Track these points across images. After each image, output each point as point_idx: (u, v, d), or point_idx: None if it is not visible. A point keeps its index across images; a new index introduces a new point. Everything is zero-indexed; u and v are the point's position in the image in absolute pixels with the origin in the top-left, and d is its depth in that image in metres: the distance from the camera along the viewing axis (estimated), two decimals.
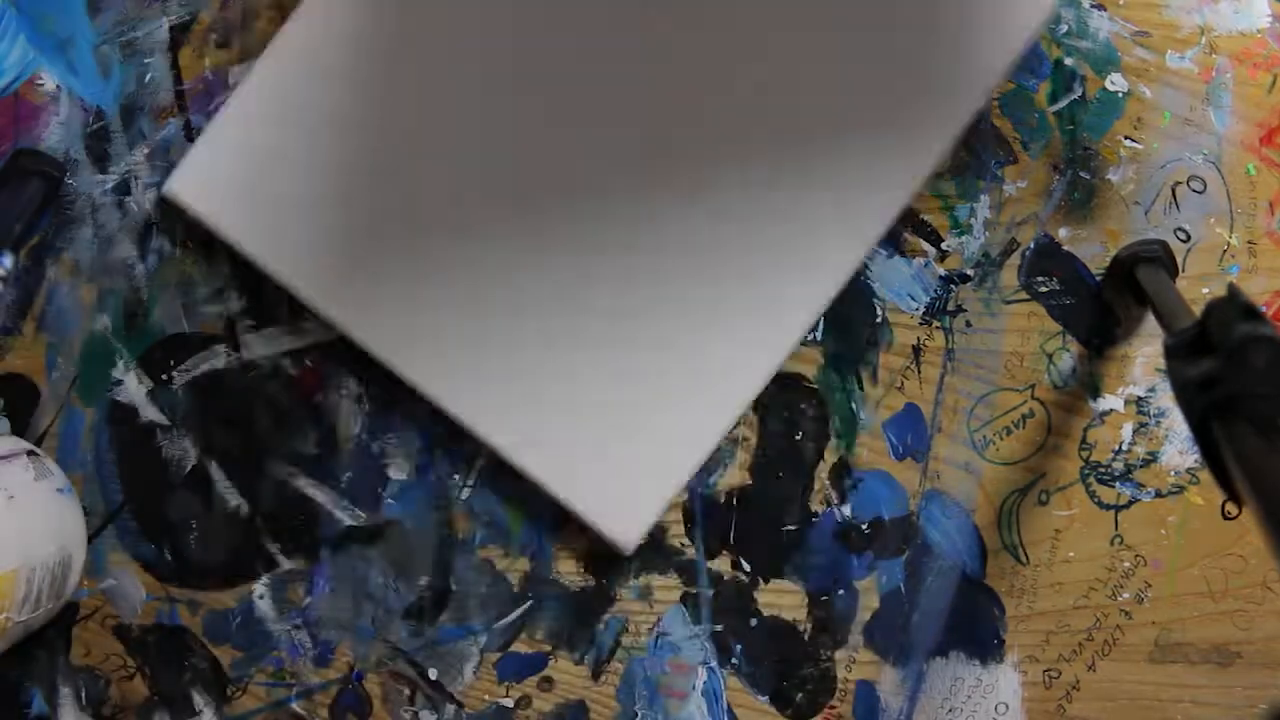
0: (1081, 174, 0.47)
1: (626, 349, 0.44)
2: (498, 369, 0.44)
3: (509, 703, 0.47)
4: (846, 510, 0.47)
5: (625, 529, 0.45)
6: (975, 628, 0.47)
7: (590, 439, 0.44)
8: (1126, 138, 0.47)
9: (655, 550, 0.47)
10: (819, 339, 0.47)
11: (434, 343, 0.44)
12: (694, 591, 0.47)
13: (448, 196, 0.44)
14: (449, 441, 0.46)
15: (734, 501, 0.47)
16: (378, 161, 0.43)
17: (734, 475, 0.47)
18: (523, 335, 0.44)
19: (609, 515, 0.44)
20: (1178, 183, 0.47)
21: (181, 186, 0.43)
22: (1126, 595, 0.47)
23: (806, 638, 0.47)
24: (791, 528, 0.47)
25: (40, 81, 0.45)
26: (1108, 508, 0.47)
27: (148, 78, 0.46)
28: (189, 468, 0.46)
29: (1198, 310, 0.36)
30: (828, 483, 0.47)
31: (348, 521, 0.47)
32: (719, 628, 0.47)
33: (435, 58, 0.43)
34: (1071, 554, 0.47)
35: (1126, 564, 0.47)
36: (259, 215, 0.43)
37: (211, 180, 0.43)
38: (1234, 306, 0.33)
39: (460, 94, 0.43)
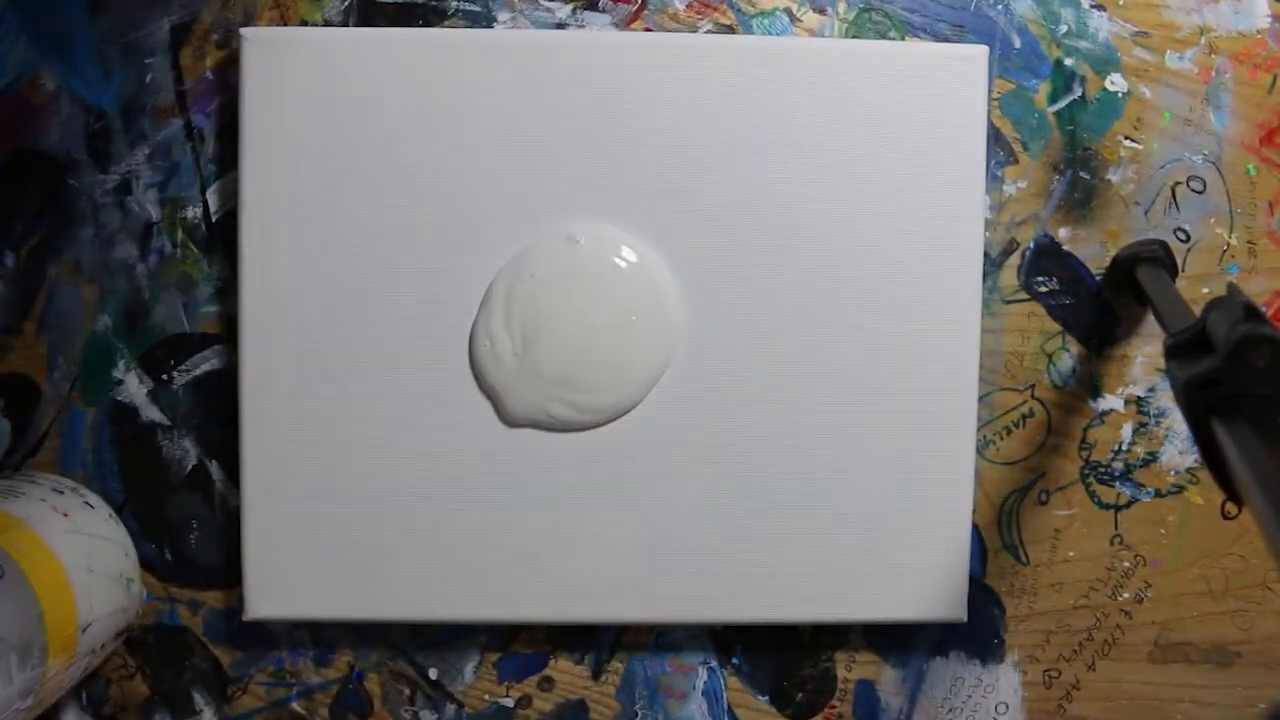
0: (1081, 174, 0.47)
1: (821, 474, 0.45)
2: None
3: (509, 702, 0.47)
4: None
5: (952, 607, 0.45)
6: (975, 627, 0.47)
7: (857, 559, 0.45)
8: (1126, 138, 0.47)
9: None
10: None
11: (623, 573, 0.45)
12: None
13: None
14: None
15: None
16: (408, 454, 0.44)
17: None
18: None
19: (929, 604, 0.45)
20: (1177, 183, 0.47)
21: (263, 607, 0.44)
22: (1126, 595, 0.47)
23: (807, 637, 0.47)
24: None
25: (41, 81, 0.45)
26: (1107, 507, 0.47)
27: (148, 78, 0.46)
28: (189, 468, 0.46)
29: (1198, 310, 0.36)
30: None
31: None
32: (719, 627, 0.47)
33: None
34: (1071, 554, 0.47)
35: (1126, 564, 0.47)
36: (342, 578, 0.44)
37: (280, 584, 0.44)
38: (1234, 306, 0.33)
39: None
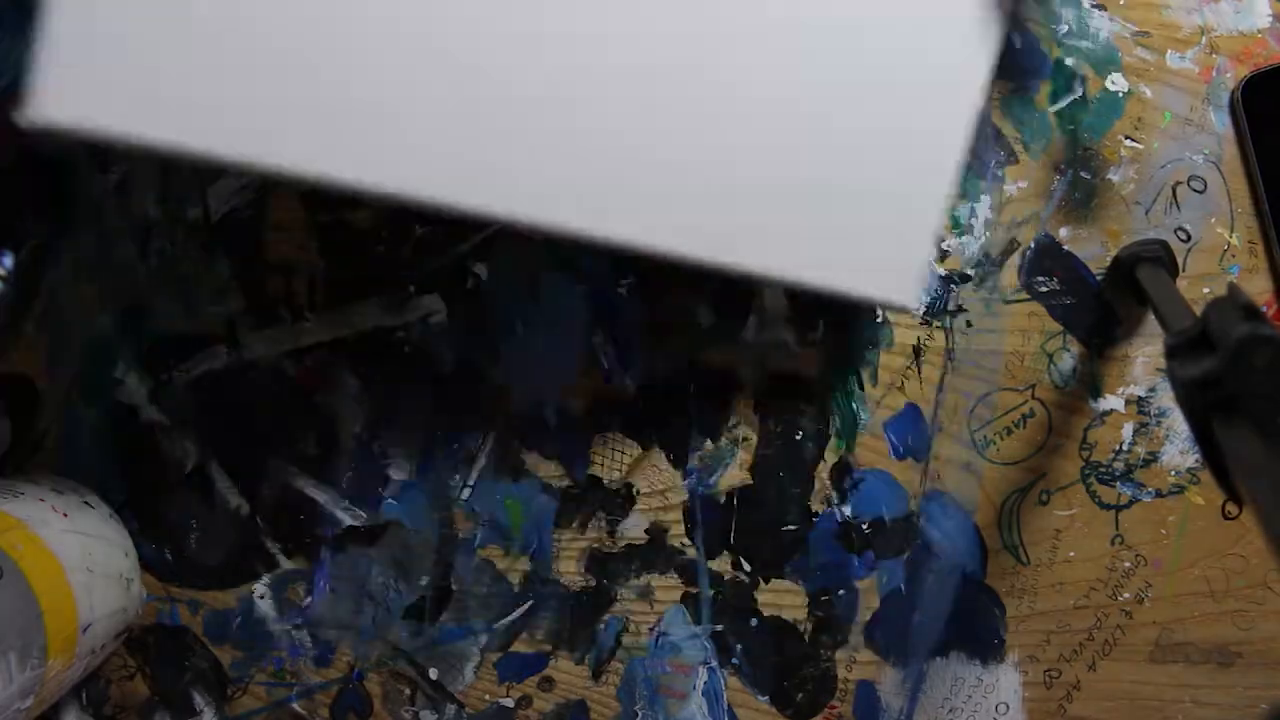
0: (1082, 174, 0.47)
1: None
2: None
3: (509, 702, 0.47)
4: (847, 510, 0.47)
5: (900, 288, 0.37)
6: (976, 627, 0.47)
7: (802, 214, 0.36)
8: (1127, 138, 0.47)
9: (655, 550, 0.47)
10: (819, 339, 0.47)
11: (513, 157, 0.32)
12: (694, 591, 0.47)
13: None
14: (449, 441, 0.46)
15: (734, 501, 0.47)
16: None
17: (734, 475, 0.47)
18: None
19: (875, 281, 0.37)
20: (1178, 182, 0.47)
21: (54, 108, 0.30)
22: (1127, 595, 0.47)
23: (807, 638, 0.47)
24: (792, 527, 0.47)
25: None
26: (1108, 507, 0.47)
27: None
28: (189, 468, 0.46)
29: (1198, 310, 0.36)
30: (828, 483, 0.47)
31: (348, 521, 0.47)
32: (719, 628, 0.47)
33: None
34: (1072, 554, 0.47)
35: (1127, 564, 0.47)
36: (162, 85, 0.30)
37: (86, 80, 0.30)
38: (1235, 306, 0.33)
39: None
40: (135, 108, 0.30)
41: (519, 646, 0.47)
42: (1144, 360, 0.47)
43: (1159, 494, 0.47)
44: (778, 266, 0.36)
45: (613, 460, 0.47)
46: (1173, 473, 0.47)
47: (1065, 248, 0.47)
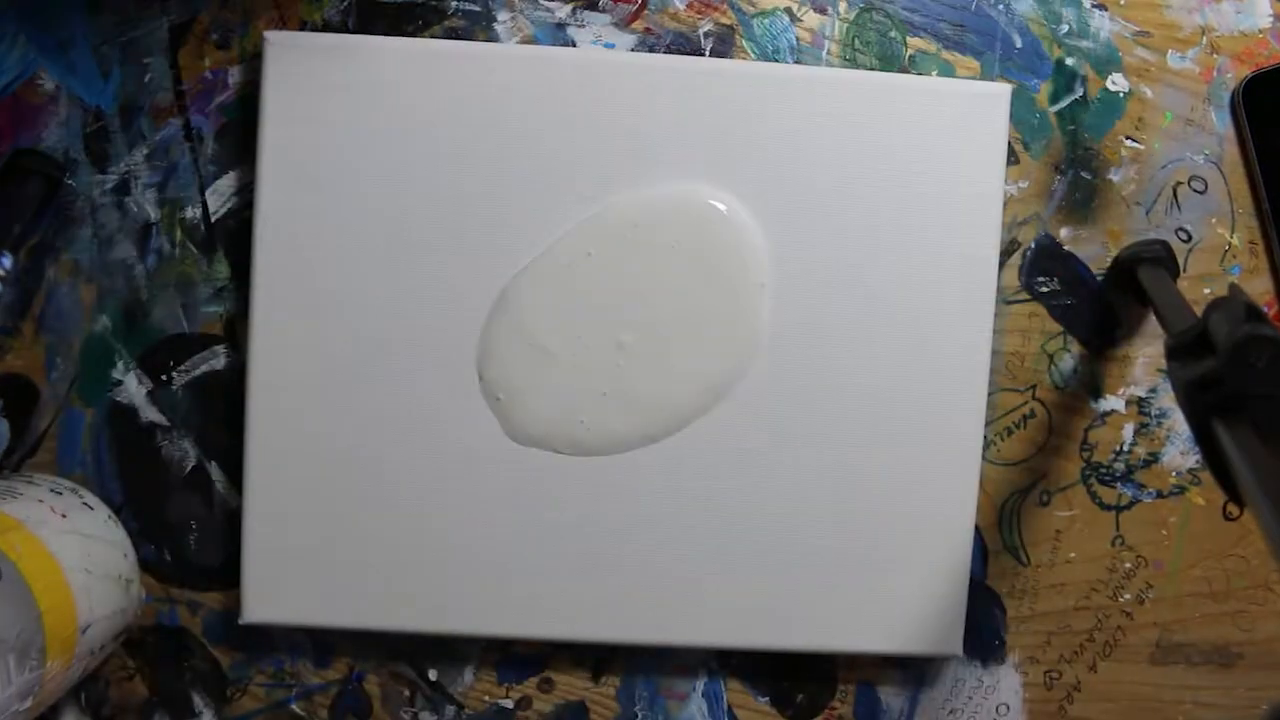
0: (1083, 174, 0.47)
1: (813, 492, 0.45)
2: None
3: (509, 704, 0.47)
4: None
5: (947, 640, 0.45)
6: (976, 628, 0.47)
7: (855, 589, 0.45)
8: (1128, 138, 0.47)
9: None
10: None
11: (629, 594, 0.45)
12: None
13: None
14: None
15: None
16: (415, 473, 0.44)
17: None
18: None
19: (924, 639, 0.45)
20: (1179, 183, 0.47)
21: (260, 611, 0.44)
22: (1128, 596, 0.47)
23: None
24: None
25: (40, 81, 0.45)
26: (1109, 508, 0.47)
27: (147, 78, 0.45)
28: (189, 468, 0.46)
29: (1199, 311, 0.36)
30: None
31: None
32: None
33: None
34: (1073, 555, 0.47)
35: (1128, 565, 0.47)
36: (340, 586, 0.44)
37: (278, 589, 0.44)
38: (1235, 307, 0.33)
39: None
40: (319, 602, 0.44)
41: (518, 647, 0.47)
42: (1145, 361, 0.47)
43: (1160, 495, 0.47)
44: (840, 643, 0.45)
45: None
46: (1173, 473, 0.47)
47: (1066, 248, 0.47)
